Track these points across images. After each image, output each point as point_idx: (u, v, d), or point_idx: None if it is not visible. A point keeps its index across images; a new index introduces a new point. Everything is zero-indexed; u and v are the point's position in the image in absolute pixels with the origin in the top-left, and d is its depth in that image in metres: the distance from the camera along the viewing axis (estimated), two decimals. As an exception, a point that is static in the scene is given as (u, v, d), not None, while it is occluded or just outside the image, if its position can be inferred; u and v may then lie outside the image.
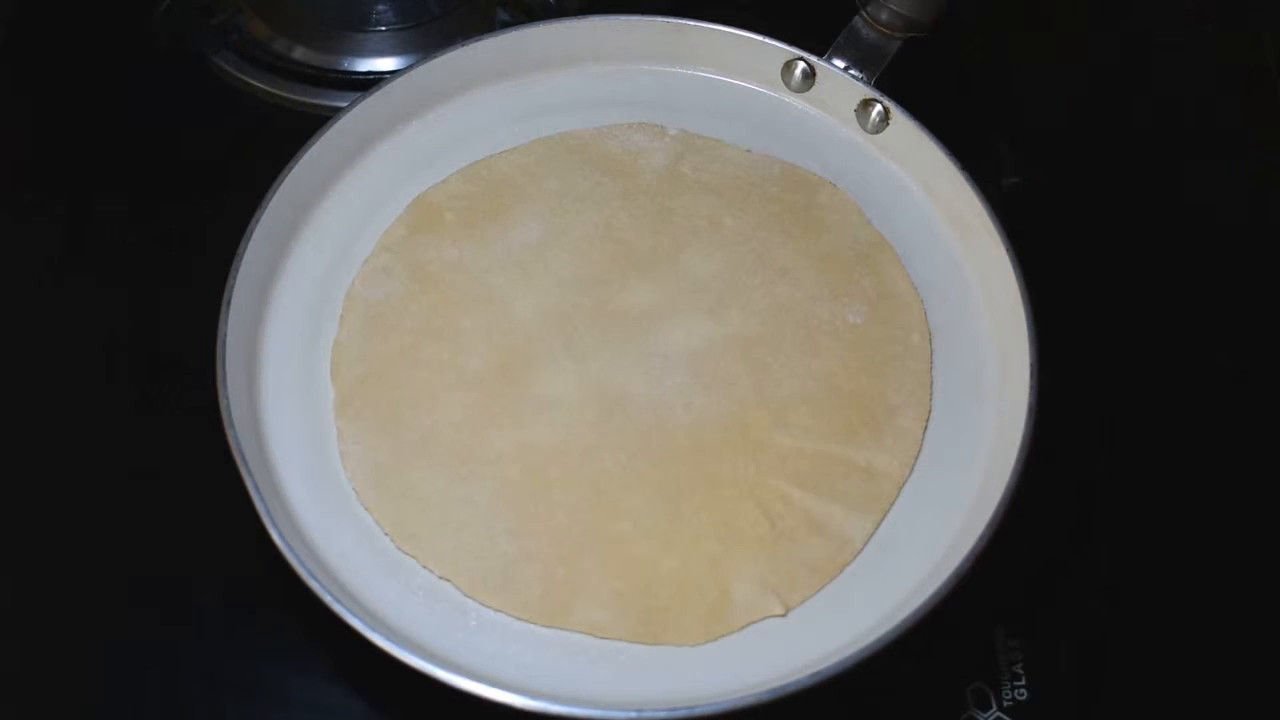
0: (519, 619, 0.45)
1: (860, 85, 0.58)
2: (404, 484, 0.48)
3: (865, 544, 0.47)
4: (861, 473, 0.49)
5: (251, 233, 0.51)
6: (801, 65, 0.59)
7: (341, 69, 0.64)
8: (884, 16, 0.58)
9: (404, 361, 0.51)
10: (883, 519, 0.48)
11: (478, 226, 0.55)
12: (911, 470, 0.49)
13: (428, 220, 0.55)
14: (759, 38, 0.59)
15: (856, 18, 0.59)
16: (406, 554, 0.47)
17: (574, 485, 0.48)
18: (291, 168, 0.53)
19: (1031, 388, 0.48)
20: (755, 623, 0.45)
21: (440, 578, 0.46)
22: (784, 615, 0.46)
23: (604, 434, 0.49)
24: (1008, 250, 0.52)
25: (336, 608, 0.42)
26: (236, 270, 0.50)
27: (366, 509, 0.48)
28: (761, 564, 0.46)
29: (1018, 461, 0.46)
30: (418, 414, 0.50)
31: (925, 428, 0.50)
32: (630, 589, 0.46)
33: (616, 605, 0.45)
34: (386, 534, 0.47)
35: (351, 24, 0.66)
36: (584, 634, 0.45)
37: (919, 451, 0.50)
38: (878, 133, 0.58)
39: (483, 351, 0.51)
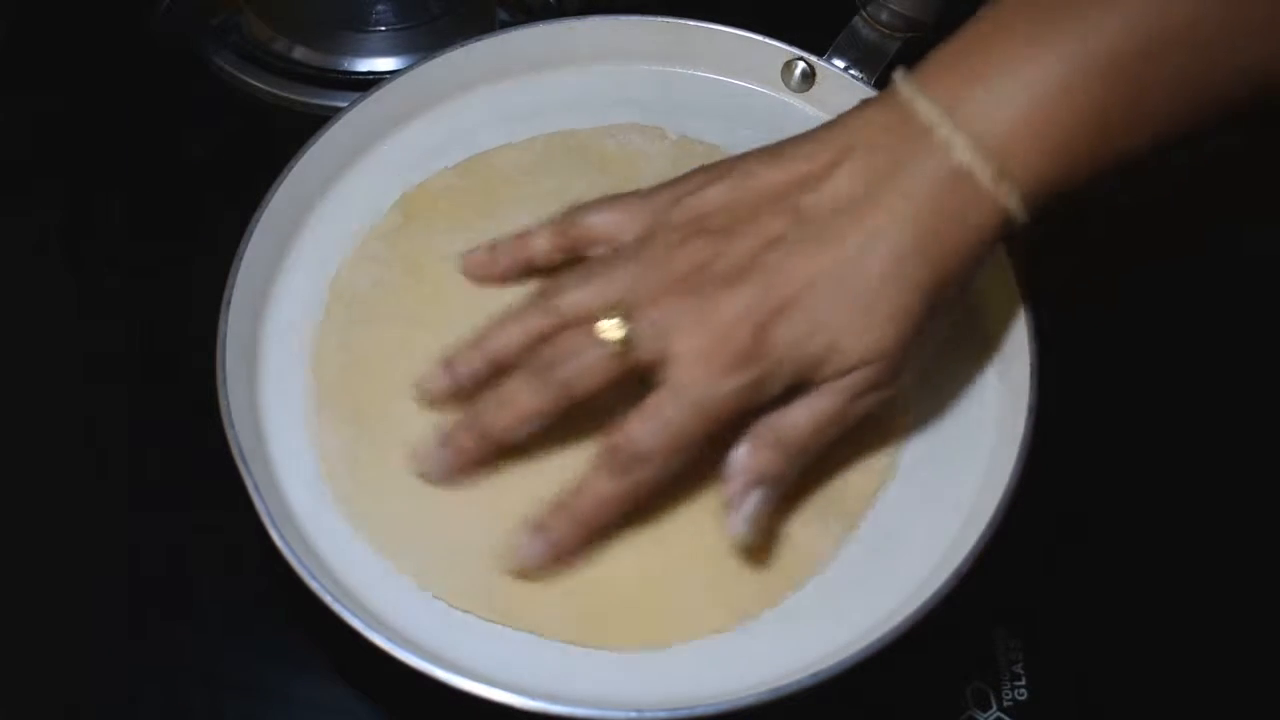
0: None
1: (860, 85, 0.58)
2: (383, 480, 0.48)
3: (862, 545, 0.47)
4: (860, 472, 0.49)
5: (251, 233, 0.51)
6: (801, 65, 0.59)
7: (341, 69, 0.64)
8: (884, 16, 0.58)
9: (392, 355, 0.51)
10: (881, 519, 0.48)
11: (471, 222, 0.54)
12: (911, 470, 0.49)
13: (419, 212, 0.55)
14: (759, 38, 0.59)
15: (856, 18, 0.59)
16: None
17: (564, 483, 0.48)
18: (291, 168, 0.53)
19: (1031, 388, 0.48)
20: (754, 622, 0.46)
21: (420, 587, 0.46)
22: (774, 610, 0.46)
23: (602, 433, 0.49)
24: (1007, 250, 0.52)
25: (336, 608, 0.42)
26: (236, 270, 0.50)
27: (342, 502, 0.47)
28: (752, 562, 0.46)
29: (1018, 461, 0.46)
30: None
31: (924, 427, 0.50)
32: (626, 588, 0.46)
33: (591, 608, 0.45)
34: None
35: (351, 24, 0.66)
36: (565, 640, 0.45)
37: (918, 452, 0.50)
38: (878, 133, 0.58)
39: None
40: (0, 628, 0.49)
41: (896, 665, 0.43)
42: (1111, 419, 0.56)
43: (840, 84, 0.58)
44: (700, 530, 0.47)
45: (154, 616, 0.49)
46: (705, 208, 0.45)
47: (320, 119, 0.55)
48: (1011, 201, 0.42)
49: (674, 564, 0.46)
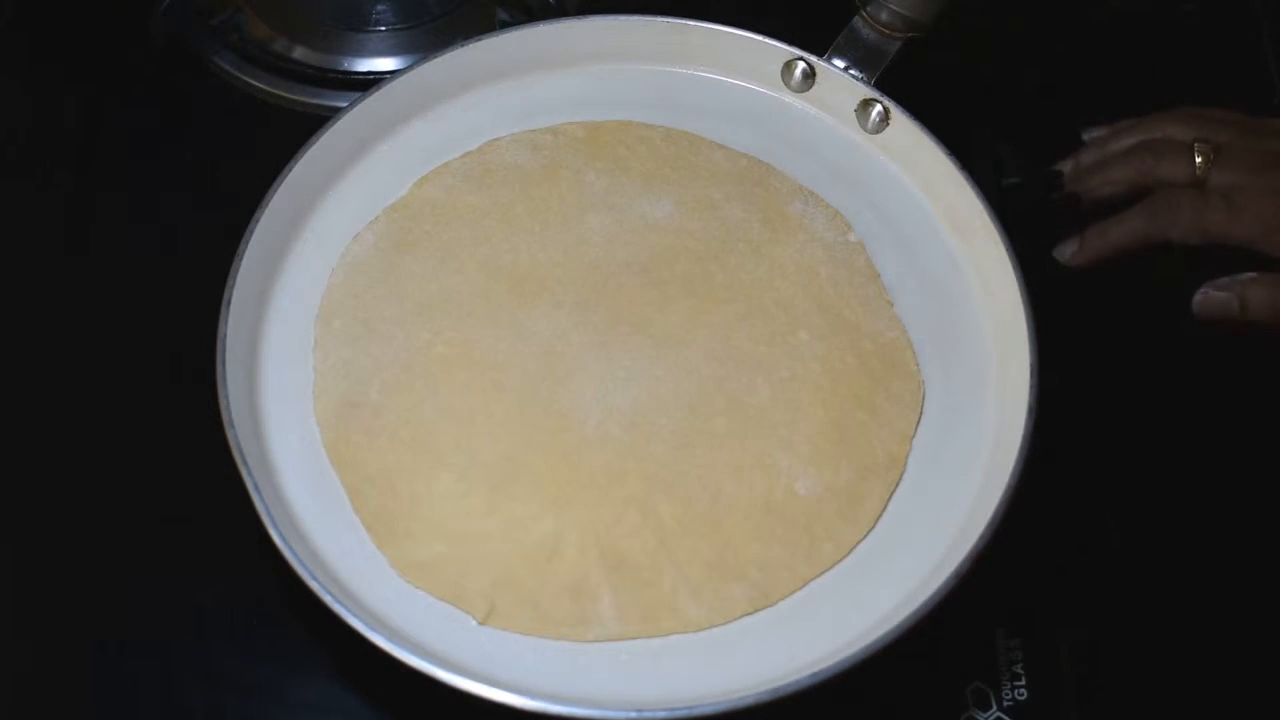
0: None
1: (860, 85, 0.58)
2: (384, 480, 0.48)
3: (863, 545, 0.47)
4: (859, 470, 0.49)
5: (251, 233, 0.51)
6: (801, 65, 0.59)
7: (341, 69, 0.64)
8: (884, 16, 0.58)
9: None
10: (882, 519, 0.48)
11: (471, 221, 0.54)
12: (910, 471, 0.49)
13: (419, 212, 0.55)
14: (759, 38, 0.59)
15: (856, 18, 0.59)
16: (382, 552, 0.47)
17: (568, 487, 0.48)
18: (291, 168, 0.53)
19: (1031, 388, 0.48)
20: (750, 618, 0.46)
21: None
22: (774, 606, 0.46)
23: (601, 436, 0.49)
24: (1008, 250, 0.52)
25: (336, 608, 0.42)
26: (236, 270, 0.50)
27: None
28: (760, 554, 0.46)
29: (1018, 461, 0.46)
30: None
31: (927, 428, 0.50)
32: (624, 583, 0.46)
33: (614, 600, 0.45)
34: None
35: (351, 24, 0.66)
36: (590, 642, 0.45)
37: (919, 453, 0.50)
38: (878, 133, 0.58)
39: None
40: (1, 628, 0.49)
41: (896, 665, 0.43)
42: (1111, 419, 0.56)
43: (840, 84, 0.58)
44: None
45: (154, 616, 0.49)
46: None
47: (320, 119, 0.55)
48: None
49: (681, 554, 0.46)
